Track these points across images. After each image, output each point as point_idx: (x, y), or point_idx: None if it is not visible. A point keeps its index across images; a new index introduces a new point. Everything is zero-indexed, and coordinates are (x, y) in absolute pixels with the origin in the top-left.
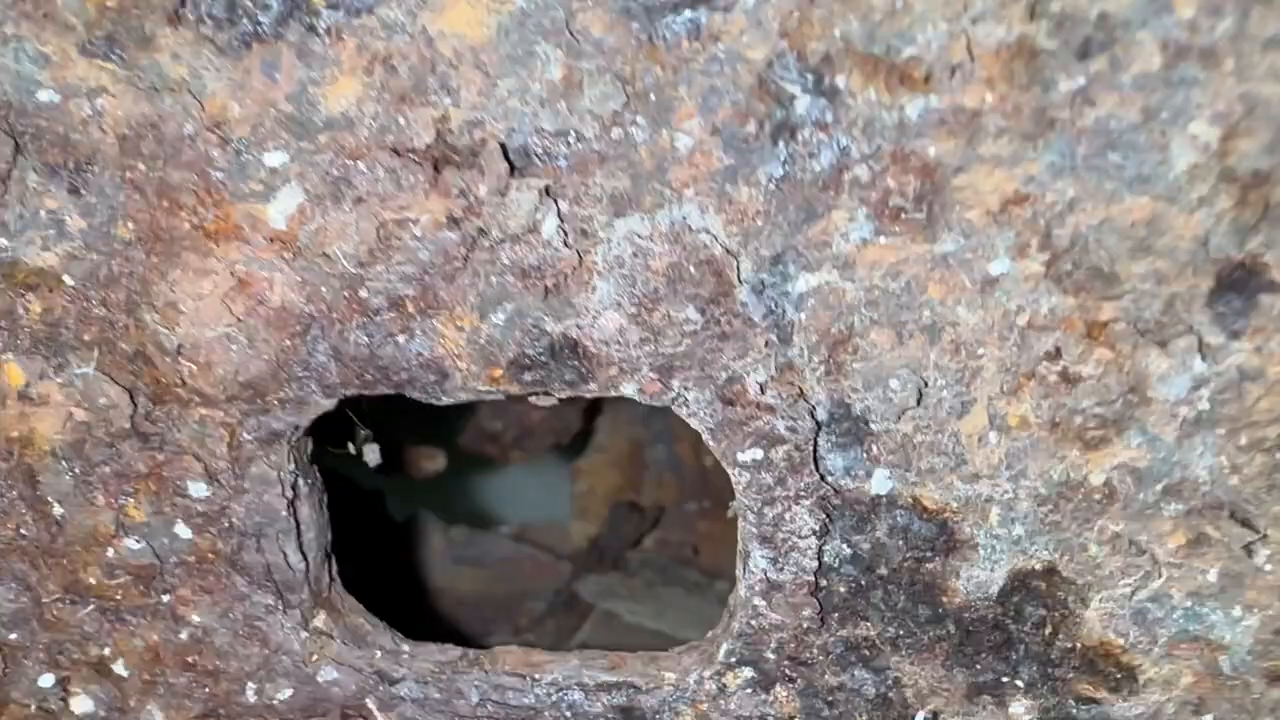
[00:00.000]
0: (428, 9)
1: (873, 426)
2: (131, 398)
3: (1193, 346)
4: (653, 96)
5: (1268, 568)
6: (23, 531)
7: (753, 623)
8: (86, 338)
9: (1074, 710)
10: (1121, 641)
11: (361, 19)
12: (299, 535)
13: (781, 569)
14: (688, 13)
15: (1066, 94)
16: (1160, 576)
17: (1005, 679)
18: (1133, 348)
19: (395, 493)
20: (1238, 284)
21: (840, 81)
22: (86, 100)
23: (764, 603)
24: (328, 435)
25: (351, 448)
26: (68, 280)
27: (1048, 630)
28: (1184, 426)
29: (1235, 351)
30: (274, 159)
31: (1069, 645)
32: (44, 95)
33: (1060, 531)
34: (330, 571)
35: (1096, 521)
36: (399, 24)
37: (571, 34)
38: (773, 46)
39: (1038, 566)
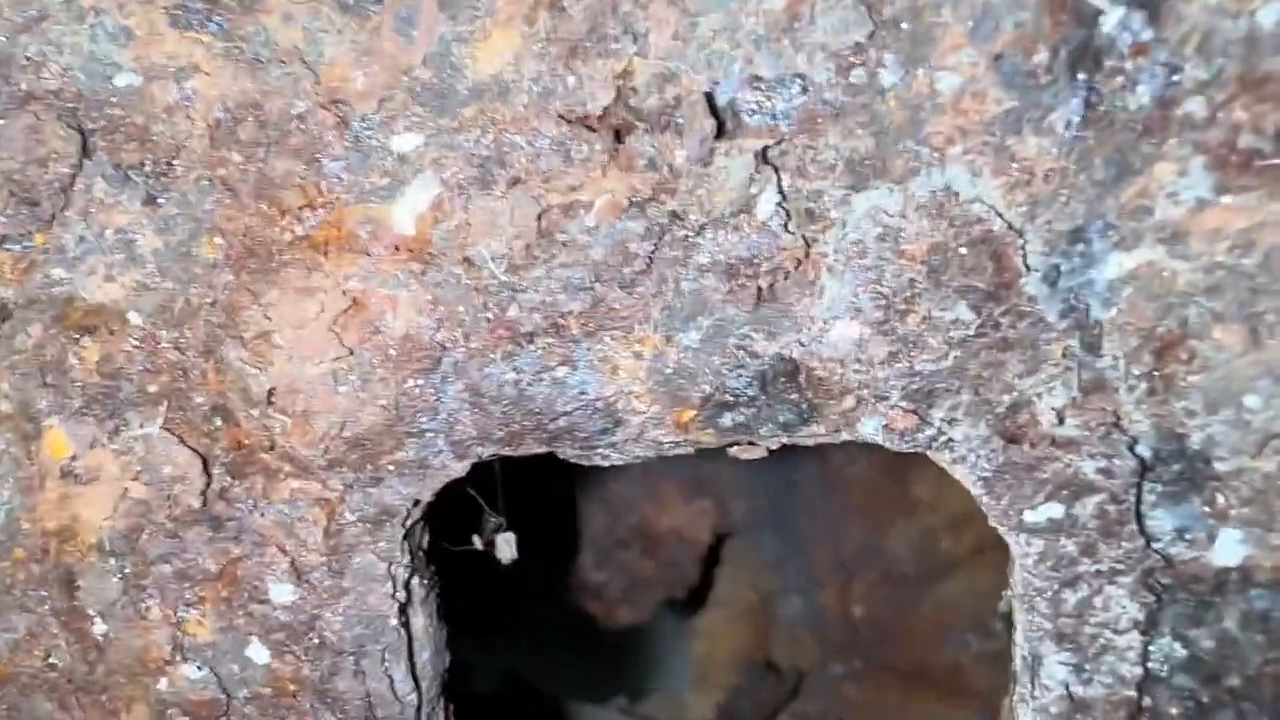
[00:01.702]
0: None
1: (1217, 466)
2: (205, 466)
3: None
4: (905, 24)
5: None
6: (53, 660)
7: None
8: (152, 389)
9: None
10: None
11: None
12: (411, 654)
13: (1089, 680)
14: None
15: None
16: None
17: None
18: None
19: (480, 659)
20: None
21: None
22: (174, 82)
23: None
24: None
25: (477, 541)
26: (134, 318)
27: None
28: None
29: None
30: (404, 142)
31: None
32: (123, 79)
33: None
34: (447, 710)
35: None
36: None
37: None
38: None
39: None
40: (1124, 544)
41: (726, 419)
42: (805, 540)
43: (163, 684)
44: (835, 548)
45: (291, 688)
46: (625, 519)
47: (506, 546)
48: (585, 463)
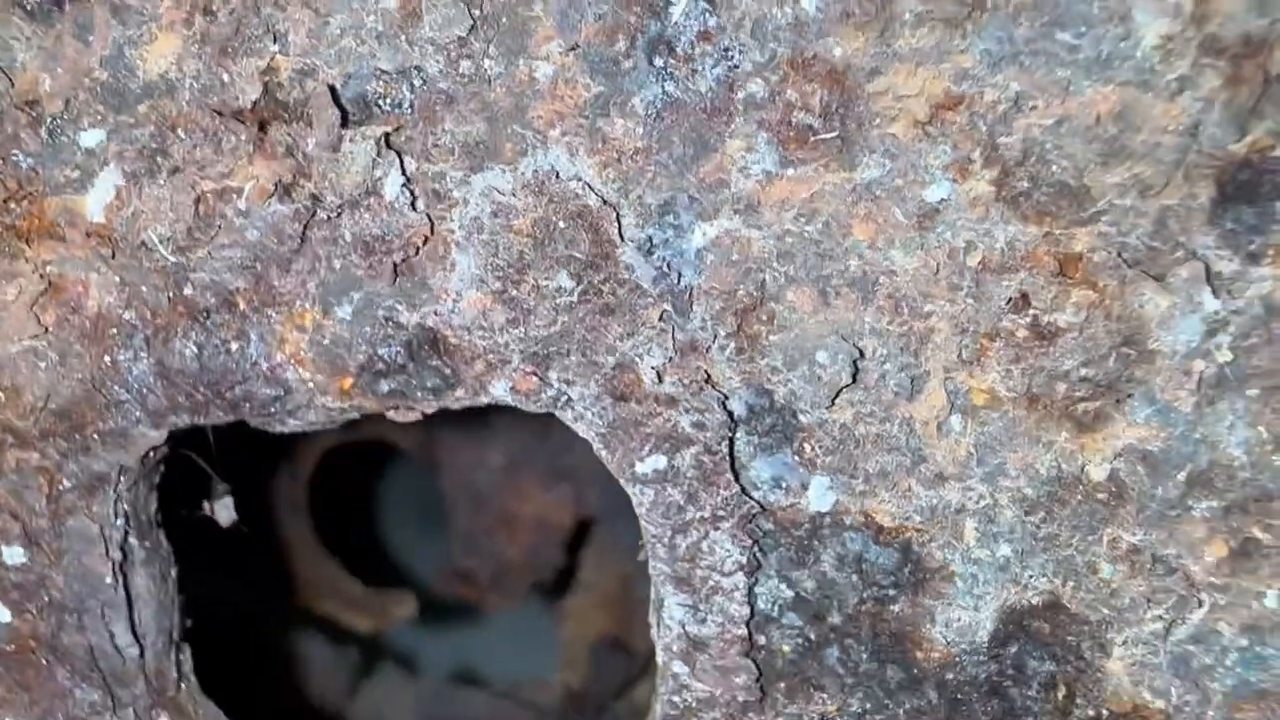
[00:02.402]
0: None
1: (802, 418)
2: None
3: (1199, 277)
4: (504, 18)
5: None
6: None
7: (675, 699)
8: None
9: None
10: (1163, 705)
11: None
12: (130, 610)
13: (704, 619)
14: None
15: None
16: (1201, 605)
17: None
18: (1121, 285)
19: (358, 648)
20: (1246, 189)
21: None
22: None
23: (685, 668)
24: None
25: (206, 507)
26: None
27: (1060, 694)
28: (1203, 389)
29: (1256, 280)
30: (90, 138)
31: (1092, 714)
32: None
33: (1059, 548)
34: (180, 666)
35: (1105, 531)
36: None
37: None
38: None
39: (1036, 600)
40: (722, 492)
41: (383, 385)
42: None
43: None
44: None
45: (31, 644)
46: (489, 507)
47: (224, 511)
48: (270, 429)
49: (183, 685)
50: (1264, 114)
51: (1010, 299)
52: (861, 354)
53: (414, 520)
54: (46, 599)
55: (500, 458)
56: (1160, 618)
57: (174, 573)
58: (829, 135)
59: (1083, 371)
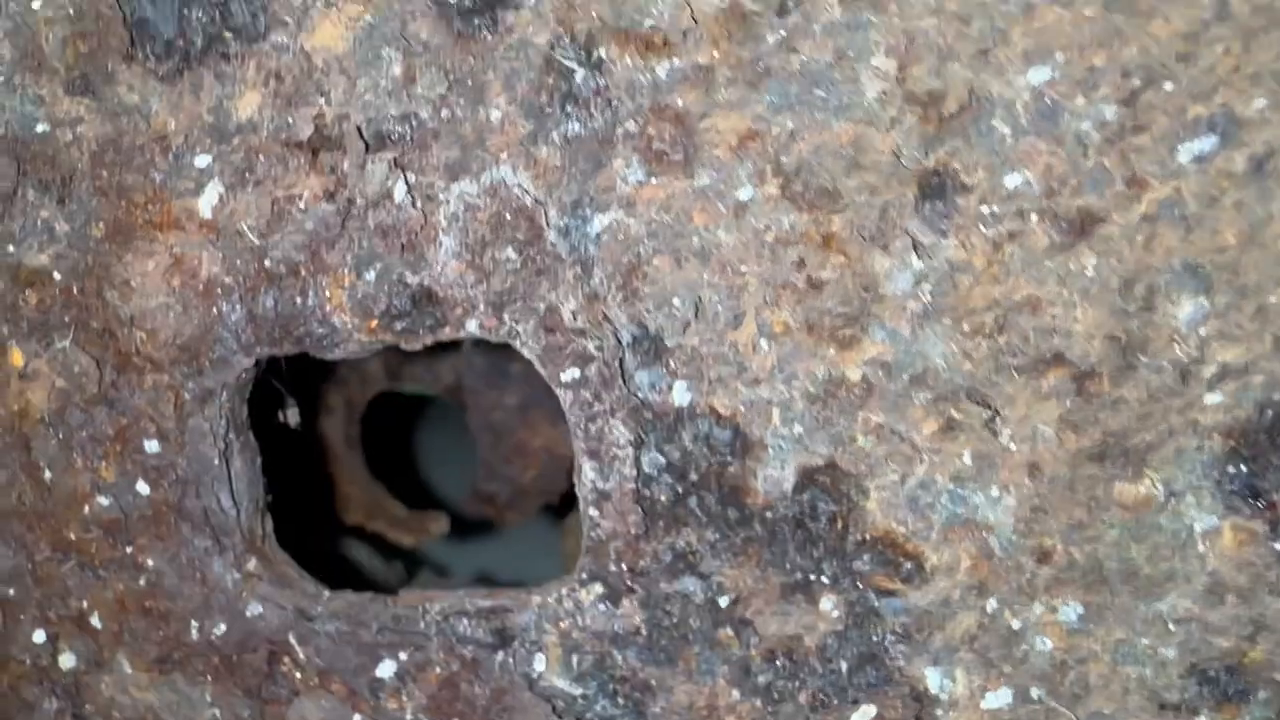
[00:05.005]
0: (304, 32)
1: (667, 343)
2: (99, 367)
3: (909, 246)
4: (469, 81)
5: (1012, 446)
6: (22, 498)
7: (593, 534)
8: (66, 319)
9: (875, 603)
10: (903, 530)
11: (258, 44)
12: (230, 483)
13: (608, 478)
14: (488, 13)
15: (774, 44)
16: (923, 462)
17: (812, 576)
18: (861, 252)
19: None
20: (936, 189)
21: (604, 54)
22: (69, 128)
23: (597, 512)
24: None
25: (281, 415)
26: (56, 275)
27: (839, 525)
28: (915, 319)
29: (944, 248)
30: (201, 160)
31: (859, 538)
32: (40, 127)
33: (832, 426)
34: (264, 526)
35: (860, 414)
36: (285, 45)
37: (406, 38)
38: (552, 31)
39: (820, 462)
40: (617, 393)
41: (398, 325)
42: None
43: (86, 510)
44: None
45: (163, 509)
46: (506, 440)
47: (293, 416)
48: (325, 356)
49: (266, 541)
50: (943, 141)
51: (793, 262)
52: (701, 300)
53: (446, 452)
54: (174, 476)
55: (516, 399)
56: (897, 471)
57: (258, 460)
58: (677, 157)
59: (840, 309)
